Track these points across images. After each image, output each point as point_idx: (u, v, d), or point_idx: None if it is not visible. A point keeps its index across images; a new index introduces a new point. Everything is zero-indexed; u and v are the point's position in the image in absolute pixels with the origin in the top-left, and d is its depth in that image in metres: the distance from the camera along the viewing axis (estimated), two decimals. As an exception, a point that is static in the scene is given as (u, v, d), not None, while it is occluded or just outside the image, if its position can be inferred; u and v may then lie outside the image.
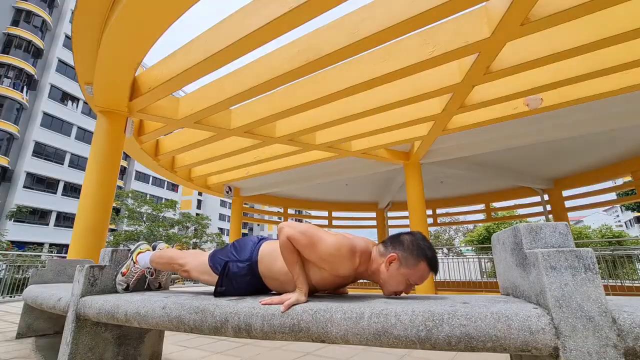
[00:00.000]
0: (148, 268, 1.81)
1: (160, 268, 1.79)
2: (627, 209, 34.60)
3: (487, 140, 5.83)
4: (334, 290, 1.54)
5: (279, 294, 1.44)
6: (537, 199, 9.32)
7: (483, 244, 23.28)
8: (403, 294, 1.31)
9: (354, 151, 5.89)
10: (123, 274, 1.79)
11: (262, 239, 1.56)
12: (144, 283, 1.90)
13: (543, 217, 9.26)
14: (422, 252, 1.24)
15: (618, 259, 7.38)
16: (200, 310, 1.27)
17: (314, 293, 1.46)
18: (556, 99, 4.17)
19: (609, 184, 12.86)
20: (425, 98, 3.94)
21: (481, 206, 11.32)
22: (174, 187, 40.74)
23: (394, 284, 1.27)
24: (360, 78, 3.57)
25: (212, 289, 1.53)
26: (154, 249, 1.89)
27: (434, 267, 1.25)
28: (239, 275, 1.46)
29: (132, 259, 1.80)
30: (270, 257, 1.43)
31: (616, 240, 14.23)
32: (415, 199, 6.54)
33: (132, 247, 1.88)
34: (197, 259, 1.63)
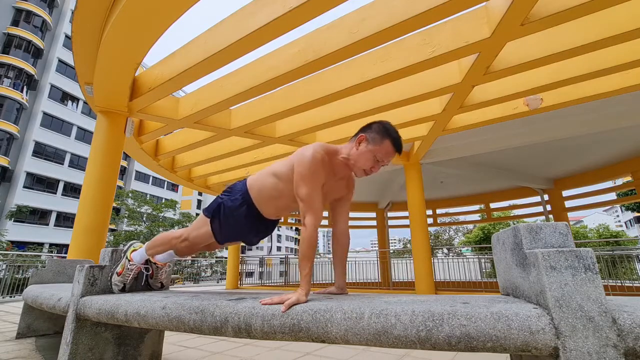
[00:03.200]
0: (145, 264, 1.80)
1: (158, 252, 1.77)
2: (627, 209, 34.57)
3: (487, 140, 5.83)
4: (338, 287, 1.54)
5: (276, 220, 1.62)
6: (537, 199, 9.33)
7: (480, 244, 23.31)
8: None
9: (354, 151, 5.88)
10: (119, 274, 1.77)
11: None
12: (140, 282, 1.88)
13: (543, 217, 9.26)
14: (387, 131, 1.40)
15: (617, 259, 7.38)
16: (200, 310, 1.27)
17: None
18: (556, 99, 4.17)
19: (609, 184, 12.86)
20: (425, 98, 3.94)
21: (481, 206, 11.31)
22: (174, 187, 40.73)
23: (362, 160, 1.41)
24: (361, 78, 3.57)
25: (212, 289, 1.52)
26: None
27: (397, 145, 1.40)
28: (234, 208, 1.52)
29: (127, 257, 1.79)
30: (259, 180, 1.53)
31: (614, 240, 14.24)
32: (415, 199, 6.54)
33: (125, 247, 1.85)
34: (191, 225, 1.69)
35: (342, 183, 1.55)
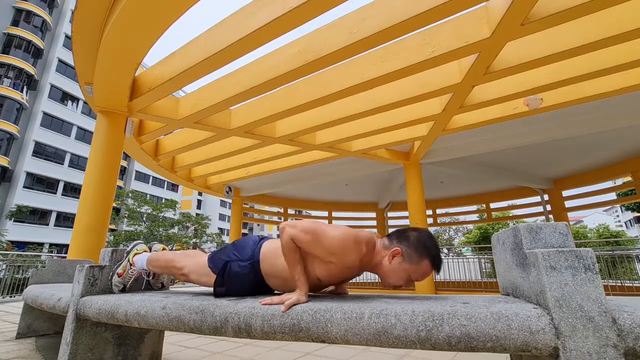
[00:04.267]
0: (145, 270, 1.80)
1: (157, 272, 1.78)
2: (627, 209, 34.55)
3: (487, 140, 5.82)
4: (338, 287, 1.54)
5: (280, 293, 1.44)
6: (537, 199, 9.32)
7: (478, 244, 23.34)
8: (402, 291, 1.32)
9: (354, 151, 5.89)
10: (119, 275, 1.77)
11: (262, 238, 1.55)
12: (140, 282, 1.88)
13: (543, 217, 9.26)
14: (426, 250, 1.23)
15: (617, 259, 7.38)
16: (200, 310, 1.27)
17: (320, 289, 1.46)
18: (556, 99, 4.16)
19: (609, 184, 12.86)
20: (425, 98, 3.94)
21: (481, 206, 11.30)
22: (174, 187, 40.73)
23: (394, 277, 1.26)
24: (361, 78, 3.57)
25: (212, 289, 1.52)
26: (150, 249, 1.86)
27: (437, 265, 1.24)
28: (241, 274, 1.44)
29: (129, 260, 1.78)
30: (273, 255, 1.43)
31: (614, 240, 14.25)
32: (415, 199, 6.54)
33: (129, 248, 1.85)
34: (195, 262, 1.60)
35: (358, 273, 1.44)
